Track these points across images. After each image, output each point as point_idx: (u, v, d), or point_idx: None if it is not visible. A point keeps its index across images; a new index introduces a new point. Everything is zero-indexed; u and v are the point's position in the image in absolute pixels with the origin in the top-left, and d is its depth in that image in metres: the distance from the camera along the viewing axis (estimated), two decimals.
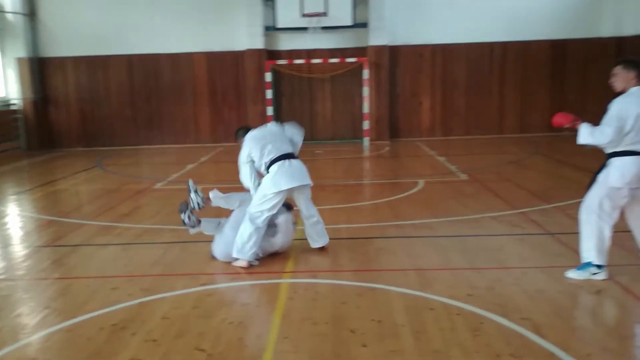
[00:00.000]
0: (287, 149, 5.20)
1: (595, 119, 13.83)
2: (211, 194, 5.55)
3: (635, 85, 4.37)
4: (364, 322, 3.83)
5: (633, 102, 4.27)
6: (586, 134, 4.35)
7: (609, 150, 4.40)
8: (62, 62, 14.50)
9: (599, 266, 4.38)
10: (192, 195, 5.52)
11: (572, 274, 4.47)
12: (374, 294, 4.33)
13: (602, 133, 4.26)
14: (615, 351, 3.33)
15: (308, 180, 5.19)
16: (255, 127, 5.66)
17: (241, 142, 5.40)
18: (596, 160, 10.60)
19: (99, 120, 14.75)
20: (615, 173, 4.30)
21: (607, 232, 4.37)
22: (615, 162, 4.33)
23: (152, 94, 14.64)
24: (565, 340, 3.46)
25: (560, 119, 4.59)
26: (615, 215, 4.39)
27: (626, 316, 3.82)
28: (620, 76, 4.44)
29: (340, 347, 3.51)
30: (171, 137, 14.81)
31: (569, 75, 14.40)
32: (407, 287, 4.43)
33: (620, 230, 4.58)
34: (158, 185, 9.29)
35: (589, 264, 4.41)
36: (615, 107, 4.30)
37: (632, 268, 4.67)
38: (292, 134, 5.47)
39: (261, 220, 5.01)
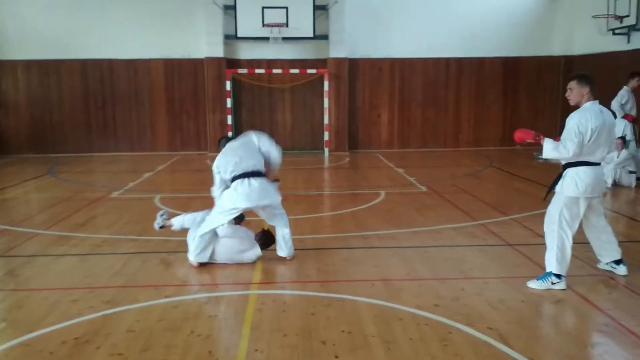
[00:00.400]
0: (254, 166, 5.19)
1: (546, 133, 14.46)
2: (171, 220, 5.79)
3: (588, 100, 4.58)
4: (334, 333, 3.84)
5: (589, 116, 4.46)
6: (550, 149, 4.54)
7: (564, 162, 4.60)
8: (12, 65, 13.92)
9: (558, 276, 4.54)
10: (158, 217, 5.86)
11: (533, 284, 4.62)
12: (342, 305, 4.34)
13: (565, 148, 4.46)
14: (578, 358, 3.45)
15: (265, 201, 5.21)
16: (235, 136, 5.63)
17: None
18: (547, 173, 11.09)
19: (50, 126, 14.22)
20: (570, 183, 4.51)
21: (568, 242, 4.54)
22: (569, 172, 4.54)
23: (107, 100, 14.26)
24: (531, 349, 3.57)
25: (522, 134, 4.76)
26: (576, 225, 4.58)
27: (586, 325, 3.97)
28: (575, 91, 4.66)
29: (312, 358, 3.50)
30: (126, 145, 14.45)
31: (520, 91, 14.94)
32: (374, 297, 4.47)
33: (577, 241, 4.77)
34: (115, 194, 9.04)
35: (549, 274, 4.57)
36: (574, 122, 4.50)
37: (589, 278, 4.87)
38: (269, 151, 5.46)
39: (209, 229, 5.16)
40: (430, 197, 8.54)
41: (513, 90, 14.92)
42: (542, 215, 7.16)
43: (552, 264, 4.56)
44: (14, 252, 5.88)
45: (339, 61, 14.07)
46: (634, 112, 9.87)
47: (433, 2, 14.38)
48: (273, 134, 5.39)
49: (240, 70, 13.99)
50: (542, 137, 4.63)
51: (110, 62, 14.10)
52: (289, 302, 4.44)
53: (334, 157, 13.78)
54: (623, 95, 9.55)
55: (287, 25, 13.35)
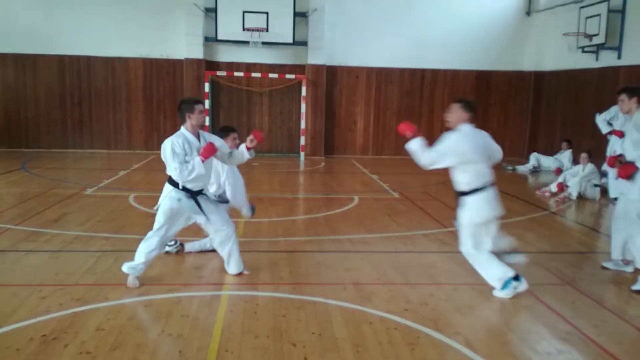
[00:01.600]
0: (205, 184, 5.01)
1: (514, 145, 14.69)
2: None
3: (465, 123, 4.73)
4: (304, 335, 3.90)
5: (466, 140, 4.65)
6: (415, 147, 4.68)
7: (458, 189, 4.77)
8: None
9: (515, 278, 4.69)
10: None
11: (499, 294, 4.75)
12: (314, 307, 4.40)
13: (422, 157, 4.64)
14: None
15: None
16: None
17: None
18: (512, 184, 11.31)
19: (25, 121, 13.98)
20: (466, 214, 4.69)
21: (491, 255, 4.71)
22: (465, 201, 4.71)
23: (84, 97, 14.09)
24: (496, 355, 3.68)
25: (405, 127, 4.80)
26: (489, 239, 4.73)
27: (549, 332, 4.10)
28: (455, 114, 4.80)
29: None
30: (102, 142, 14.29)
31: (491, 103, 15.26)
32: (346, 300, 4.55)
33: (543, 251, 4.93)
34: (89, 191, 8.95)
35: (509, 281, 4.70)
36: (447, 143, 4.64)
37: (554, 287, 5.03)
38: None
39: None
40: (403, 204, 8.68)
41: (484, 103, 15.21)
42: (509, 224, 7.40)
43: (499, 278, 4.70)
44: None
45: (317, 68, 14.18)
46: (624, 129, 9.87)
47: (411, 14, 14.62)
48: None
49: (219, 73, 13.99)
50: (419, 135, 4.75)
51: (88, 58, 13.95)
52: (261, 304, 4.48)
53: (310, 161, 13.86)
54: (609, 111, 9.51)
55: (267, 30, 13.43)
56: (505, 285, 4.70)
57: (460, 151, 4.59)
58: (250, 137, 4.83)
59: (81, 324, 3.99)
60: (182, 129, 4.77)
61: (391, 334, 3.95)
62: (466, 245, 4.75)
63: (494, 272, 4.71)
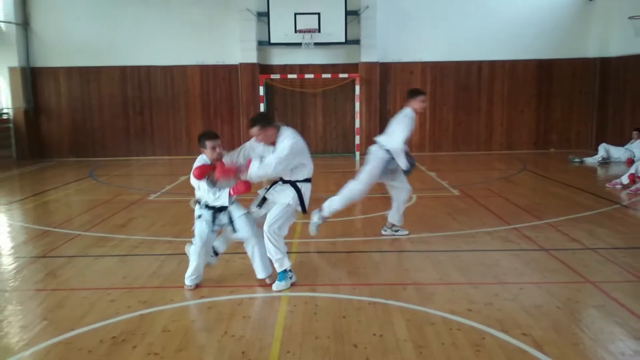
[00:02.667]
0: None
1: (580, 137, 14.08)
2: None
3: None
4: (365, 337, 3.86)
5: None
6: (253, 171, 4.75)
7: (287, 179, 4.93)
8: (54, 72, 14.42)
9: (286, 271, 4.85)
10: None
11: (276, 286, 4.80)
12: (374, 308, 4.36)
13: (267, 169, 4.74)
14: None
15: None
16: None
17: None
18: (580, 177, 10.85)
19: (90, 131, 14.66)
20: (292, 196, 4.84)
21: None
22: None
23: (145, 106, 14.61)
24: (567, 356, 3.52)
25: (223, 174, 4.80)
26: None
27: (623, 332, 3.89)
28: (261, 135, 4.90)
29: None
30: (163, 149, 14.77)
31: (554, 94, 14.67)
32: (406, 301, 4.47)
33: (615, 247, 4.66)
34: (152, 197, 9.25)
35: (283, 272, 4.82)
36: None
37: (627, 284, 4.77)
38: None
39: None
40: (463, 201, 8.47)
41: (547, 93, 14.66)
42: (578, 219, 7.09)
43: (284, 262, 4.85)
44: (55, 252, 6.08)
45: (370, 65, 14.08)
46: None
47: (464, 5, 14.26)
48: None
49: (273, 76, 14.15)
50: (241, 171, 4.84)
51: (148, 68, 14.45)
52: (321, 305, 4.47)
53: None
54: None
55: (319, 31, 13.45)
56: (280, 277, 4.83)
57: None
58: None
59: (148, 325, 4.11)
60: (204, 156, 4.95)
61: (454, 335, 3.85)
62: (273, 225, 4.81)
63: (281, 255, 4.84)
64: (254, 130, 4.88)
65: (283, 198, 4.92)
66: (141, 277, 5.19)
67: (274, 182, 5.08)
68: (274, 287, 4.82)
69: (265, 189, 5.11)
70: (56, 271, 5.44)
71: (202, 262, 4.88)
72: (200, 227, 4.82)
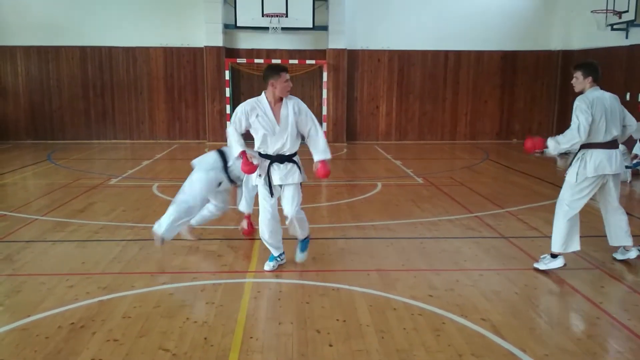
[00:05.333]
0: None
1: (542, 127, 14.42)
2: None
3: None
4: (329, 322, 3.88)
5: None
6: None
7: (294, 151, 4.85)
8: (11, 50, 13.89)
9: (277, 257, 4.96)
10: None
11: (266, 267, 4.92)
12: (337, 294, 4.38)
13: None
14: (572, 352, 3.49)
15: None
16: None
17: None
18: (540, 167, 11.12)
19: (49, 113, 14.22)
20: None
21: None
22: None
23: (106, 88, 14.24)
24: (523, 341, 3.61)
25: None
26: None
27: (578, 317, 4.02)
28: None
29: (306, 346, 3.54)
30: (125, 133, 14.46)
31: (518, 84, 14.96)
32: (370, 287, 4.51)
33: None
34: (113, 181, 9.06)
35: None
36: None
37: (583, 271, 4.92)
38: None
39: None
40: (427, 189, 8.58)
41: (511, 84, 14.94)
42: (537, 208, 7.27)
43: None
44: (12, 237, 5.90)
45: (338, 52, 14.06)
46: None
47: None
48: None
49: (239, 60, 13.99)
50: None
51: (110, 49, 14.07)
52: (285, 291, 4.47)
53: (332, 148, 13.55)
54: None
55: (286, 16, 13.33)
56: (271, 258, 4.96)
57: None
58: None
59: (108, 312, 4.04)
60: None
61: (416, 320, 3.91)
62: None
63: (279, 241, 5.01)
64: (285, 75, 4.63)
65: (294, 179, 4.76)
66: (101, 263, 5.09)
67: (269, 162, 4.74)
68: (266, 267, 4.91)
69: (259, 175, 4.73)
70: (13, 256, 5.28)
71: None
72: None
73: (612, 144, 4.79)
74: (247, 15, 13.38)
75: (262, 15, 13.34)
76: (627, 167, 9.29)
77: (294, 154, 4.78)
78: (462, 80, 14.86)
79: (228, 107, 13.90)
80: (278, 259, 4.97)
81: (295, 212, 4.76)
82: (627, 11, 11.56)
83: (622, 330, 3.78)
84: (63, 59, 14.03)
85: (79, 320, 3.88)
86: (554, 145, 4.81)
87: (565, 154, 12.36)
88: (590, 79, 4.80)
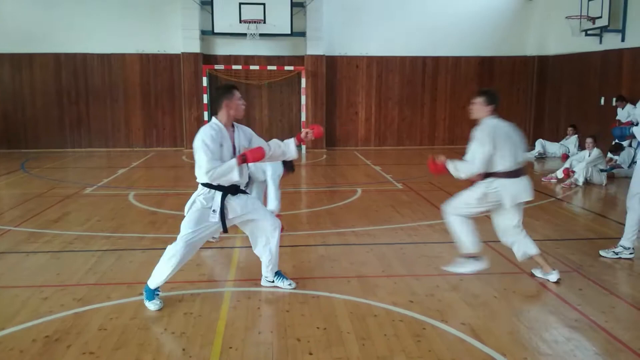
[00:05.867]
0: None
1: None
2: None
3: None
4: (309, 330, 3.84)
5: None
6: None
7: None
8: None
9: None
10: None
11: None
12: (317, 302, 4.35)
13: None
14: (551, 355, 3.51)
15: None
16: None
17: None
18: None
19: (22, 121, 13.94)
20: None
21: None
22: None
23: (81, 95, 14.03)
24: (503, 345, 3.62)
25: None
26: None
27: (557, 320, 4.04)
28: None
29: (287, 355, 3.50)
30: (100, 141, 14.25)
31: (495, 90, 15.09)
32: (350, 294, 4.49)
33: (549, 238, 4.83)
34: (88, 190, 8.91)
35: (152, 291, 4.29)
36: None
37: (560, 275, 4.96)
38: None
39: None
40: (407, 194, 8.60)
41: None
42: None
43: None
44: None
45: (316, 58, 14.08)
46: None
47: (410, 1, 14.47)
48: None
49: (216, 66, 13.92)
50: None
51: (85, 56, 13.88)
52: (264, 300, 4.43)
53: (311, 154, 13.79)
54: None
55: (264, 22, 13.31)
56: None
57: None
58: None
59: (84, 324, 3.94)
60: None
61: (397, 326, 3.89)
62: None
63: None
64: None
65: (260, 207, 4.56)
66: (76, 274, 4.98)
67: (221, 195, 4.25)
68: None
69: (213, 210, 4.21)
70: None
71: None
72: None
73: (519, 172, 4.70)
74: (225, 21, 13.33)
75: (240, 22, 13.30)
76: (602, 170, 9.44)
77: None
78: (440, 86, 14.98)
79: (205, 113, 13.80)
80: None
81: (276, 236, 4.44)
82: (600, 17, 11.79)
83: (600, 332, 3.81)
84: (37, 66, 13.79)
85: (54, 333, 3.78)
86: (454, 170, 4.74)
87: (541, 158, 12.53)
88: (491, 107, 4.72)
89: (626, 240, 5.36)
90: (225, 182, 4.18)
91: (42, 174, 10.62)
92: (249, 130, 4.51)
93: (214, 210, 4.21)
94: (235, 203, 4.28)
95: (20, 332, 3.82)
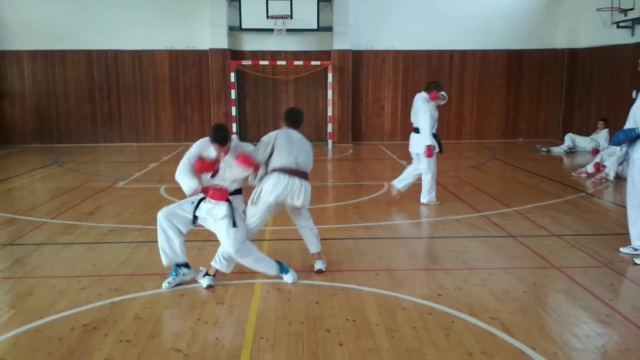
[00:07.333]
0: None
1: (547, 126, 14.31)
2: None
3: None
4: (338, 322, 3.90)
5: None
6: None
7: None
8: (18, 55, 13.98)
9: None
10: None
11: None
12: (346, 294, 4.40)
13: None
14: (582, 349, 3.50)
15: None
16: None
17: None
18: (547, 166, 11.08)
19: (55, 117, 14.30)
20: None
21: None
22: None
23: (112, 91, 14.31)
24: (533, 339, 3.62)
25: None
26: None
27: (588, 315, 4.02)
28: None
29: (317, 346, 3.56)
30: (131, 136, 14.52)
31: (523, 84, 14.93)
32: (378, 287, 4.53)
33: (579, 233, 4.77)
34: (120, 184, 9.11)
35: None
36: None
37: (592, 270, 4.92)
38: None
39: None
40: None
41: (516, 83, 14.92)
42: (545, 207, 7.26)
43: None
44: (21, 240, 5.94)
45: (343, 53, 14.08)
46: None
47: None
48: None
49: (244, 62, 14.03)
50: None
51: (115, 53, 14.14)
52: (294, 292, 4.50)
53: (338, 148, 13.82)
54: None
55: (291, 17, 13.36)
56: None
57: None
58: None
59: (120, 313, 4.07)
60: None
61: (425, 319, 3.92)
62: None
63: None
64: None
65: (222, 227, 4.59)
66: (111, 265, 5.12)
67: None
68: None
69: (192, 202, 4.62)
70: (23, 259, 5.32)
71: None
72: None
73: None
74: (252, 17, 13.43)
75: (267, 17, 13.37)
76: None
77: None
78: (467, 80, 14.84)
79: (233, 109, 13.94)
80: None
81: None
82: (632, 9, 11.53)
83: (632, 328, 3.78)
84: (69, 63, 14.11)
85: (91, 322, 3.91)
86: None
87: (571, 153, 12.34)
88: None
89: None
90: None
91: (76, 167, 10.89)
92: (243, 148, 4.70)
93: (192, 202, 4.59)
94: (204, 206, 4.54)
95: (58, 320, 3.96)
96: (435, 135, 7.40)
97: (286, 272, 4.71)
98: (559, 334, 3.71)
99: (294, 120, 4.96)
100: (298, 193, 4.71)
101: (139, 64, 14.23)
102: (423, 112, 7.23)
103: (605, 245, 5.59)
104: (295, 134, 4.87)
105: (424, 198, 7.55)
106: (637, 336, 3.67)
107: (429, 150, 7.22)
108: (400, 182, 7.69)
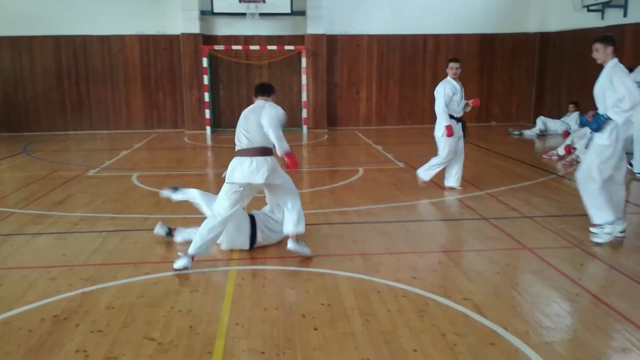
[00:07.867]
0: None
1: (520, 109, 14.49)
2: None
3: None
4: (313, 306, 3.90)
5: None
6: None
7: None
8: None
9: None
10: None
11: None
12: (322, 279, 4.40)
13: None
14: (553, 328, 3.56)
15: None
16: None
17: None
18: (519, 149, 11.19)
19: (24, 104, 13.91)
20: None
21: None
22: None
23: (81, 77, 13.97)
24: (505, 319, 3.67)
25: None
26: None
27: (558, 295, 4.09)
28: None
29: (292, 331, 3.55)
30: (102, 123, 14.23)
31: (496, 67, 15.05)
32: (353, 271, 4.54)
33: (550, 214, 4.85)
34: (91, 172, 8.94)
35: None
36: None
37: (562, 250, 5.01)
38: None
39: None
40: (408, 173, 8.61)
41: (489, 67, 15.03)
42: (517, 189, 7.37)
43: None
44: None
45: (317, 37, 13.98)
46: None
47: None
48: None
49: (216, 47, 13.82)
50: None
51: (84, 38, 13.79)
52: (269, 277, 4.48)
53: (313, 134, 13.78)
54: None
55: (264, 1, 13.20)
56: None
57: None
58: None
59: (91, 303, 4.00)
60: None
61: (400, 302, 3.95)
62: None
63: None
64: None
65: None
66: (82, 255, 5.03)
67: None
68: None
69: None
70: None
71: None
72: None
73: None
74: (224, 1, 13.21)
75: (240, 1, 13.18)
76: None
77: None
78: (441, 64, 14.85)
79: (206, 94, 13.76)
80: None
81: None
82: None
83: (601, 306, 3.86)
84: (36, 49, 13.71)
85: (62, 313, 3.84)
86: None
87: (543, 135, 12.52)
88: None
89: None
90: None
91: (45, 156, 10.65)
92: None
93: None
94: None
95: (28, 312, 3.88)
96: (459, 120, 7.40)
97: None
98: (530, 313, 3.78)
99: (262, 90, 4.82)
100: (255, 172, 4.64)
101: (108, 49, 13.91)
102: (437, 93, 7.24)
103: (575, 226, 5.69)
104: (248, 108, 4.77)
105: (422, 172, 7.54)
106: (606, 314, 3.75)
107: (449, 130, 7.20)
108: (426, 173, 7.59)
